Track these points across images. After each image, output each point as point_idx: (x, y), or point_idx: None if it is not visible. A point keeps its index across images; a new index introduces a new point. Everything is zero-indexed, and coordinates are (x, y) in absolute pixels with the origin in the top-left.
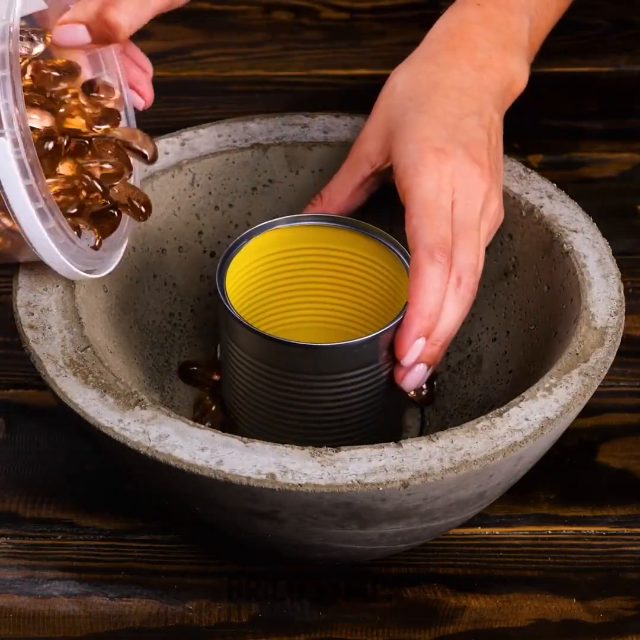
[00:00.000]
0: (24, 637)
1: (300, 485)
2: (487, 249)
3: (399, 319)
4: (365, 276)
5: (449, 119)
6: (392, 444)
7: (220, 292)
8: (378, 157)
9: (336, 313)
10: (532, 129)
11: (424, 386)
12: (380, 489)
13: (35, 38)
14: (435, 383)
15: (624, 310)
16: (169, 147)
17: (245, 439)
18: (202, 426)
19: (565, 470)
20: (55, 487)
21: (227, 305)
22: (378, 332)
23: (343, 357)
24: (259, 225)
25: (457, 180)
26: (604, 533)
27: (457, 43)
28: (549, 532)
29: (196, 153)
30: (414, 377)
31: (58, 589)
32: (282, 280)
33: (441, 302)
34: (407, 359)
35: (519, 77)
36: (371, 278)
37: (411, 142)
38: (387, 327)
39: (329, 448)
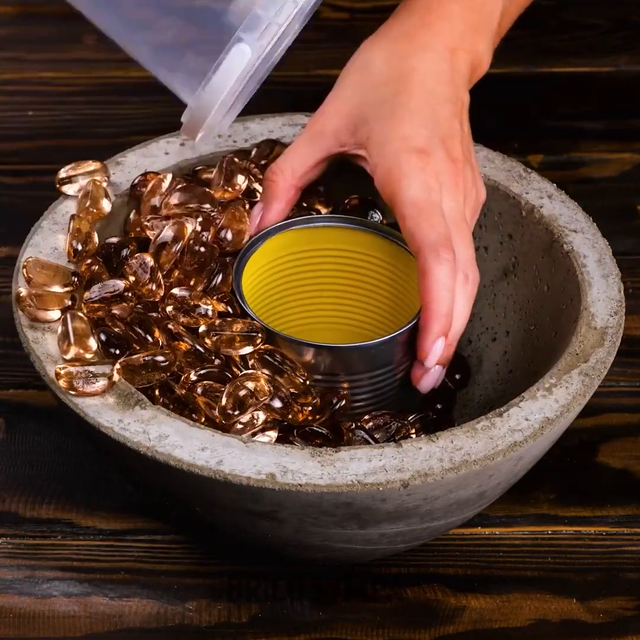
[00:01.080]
0: (24, 637)
1: (300, 485)
2: (486, 249)
3: (415, 320)
4: (379, 277)
5: (425, 110)
6: (392, 443)
7: (236, 293)
8: (349, 138)
9: (350, 314)
10: (532, 129)
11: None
12: (380, 489)
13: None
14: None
15: (624, 310)
16: (169, 147)
17: (245, 438)
18: (202, 426)
19: (565, 470)
20: (55, 487)
21: (243, 305)
22: (395, 334)
23: (359, 358)
24: (275, 225)
25: (441, 178)
26: (604, 533)
27: (433, 20)
28: (549, 532)
29: (196, 153)
30: (431, 378)
31: (58, 589)
32: (297, 280)
33: (453, 299)
34: (430, 360)
35: (484, 60)
36: (385, 279)
37: (392, 141)
38: (404, 329)
39: (328, 448)
